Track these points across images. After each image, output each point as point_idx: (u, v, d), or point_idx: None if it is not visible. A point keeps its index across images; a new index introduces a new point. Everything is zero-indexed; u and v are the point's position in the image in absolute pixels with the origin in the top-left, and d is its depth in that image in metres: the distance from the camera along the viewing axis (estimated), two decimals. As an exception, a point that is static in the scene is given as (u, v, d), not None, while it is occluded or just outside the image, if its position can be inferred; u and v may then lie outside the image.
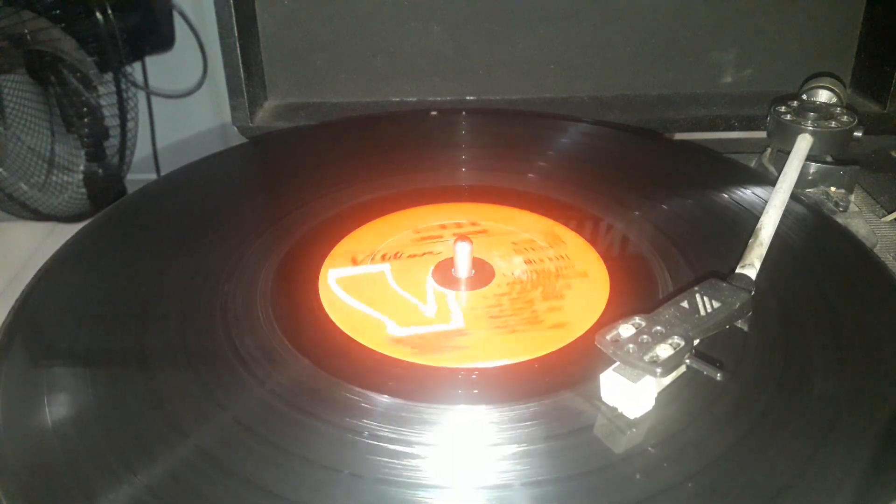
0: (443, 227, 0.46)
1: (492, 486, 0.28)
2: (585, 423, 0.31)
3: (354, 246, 0.44)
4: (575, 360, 0.35)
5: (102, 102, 0.91)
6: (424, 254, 0.43)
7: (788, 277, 0.40)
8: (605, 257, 0.43)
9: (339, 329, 0.37)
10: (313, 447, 0.30)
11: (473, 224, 0.46)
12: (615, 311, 0.38)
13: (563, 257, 0.43)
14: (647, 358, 0.31)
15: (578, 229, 0.45)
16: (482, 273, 0.41)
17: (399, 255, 0.43)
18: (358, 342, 0.36)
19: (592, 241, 0.44)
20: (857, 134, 0.52)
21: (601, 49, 0.67)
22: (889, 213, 0.51)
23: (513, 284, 0.41)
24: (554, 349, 0.36)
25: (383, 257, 0.43)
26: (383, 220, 0.47)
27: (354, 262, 0.43)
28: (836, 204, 0.51)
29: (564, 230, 0.45)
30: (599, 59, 0.67)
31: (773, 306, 0.38)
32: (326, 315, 0.38)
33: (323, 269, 0.42)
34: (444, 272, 0.42)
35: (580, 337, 0.36)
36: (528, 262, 0.42)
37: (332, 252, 0.44)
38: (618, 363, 0.31)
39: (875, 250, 0.46)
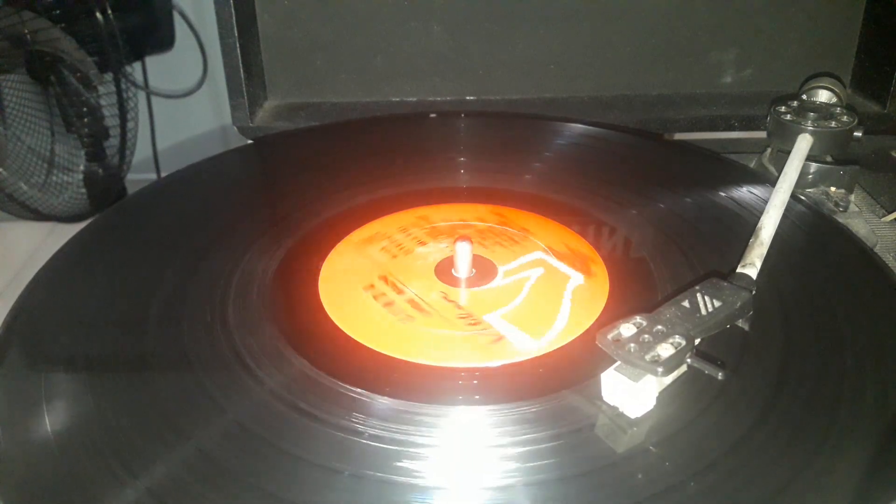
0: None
1: (492, 487, 0.28)
2: (586, 423, 0.31)
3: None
4: (576, 359, 0.35)
5: (102, 102, 0.91)
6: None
7: (789, 277, 0.40)
8: (605, 257, 0.43)
9: (339, 329, 0.37)
10: (313, 447, 0.30)
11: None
12: (574, 344, 0.36)
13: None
14: (648, 357, 0.31)
15: (582, 232, 0.45)
16: (481, 275, 0.41)
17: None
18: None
19: (594, 242, 0.44)
20: (857, 134, 0.52)
21: (601, 49, 0.67)
22: (889, 213, 0.51)
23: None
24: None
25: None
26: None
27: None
28: (836, 204, 0.51)
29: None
30: (599, 59, 0.67)
31: (774, 306, 0.38)
32: (327, 315, 0.38)
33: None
34: (443, 268, 0.42)
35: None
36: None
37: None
38: (619, 362, 0.31)
39: (875, 250, 0.46)
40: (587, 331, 0.37)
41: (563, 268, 0.42)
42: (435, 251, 0.44)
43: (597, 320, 0.38)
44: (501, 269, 0.42)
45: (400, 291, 0.40)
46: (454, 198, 0.50)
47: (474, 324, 0.38)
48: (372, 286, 0.41)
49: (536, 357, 0.35)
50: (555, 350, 0.36)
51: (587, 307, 0.39)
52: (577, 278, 0.41)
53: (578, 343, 0.36)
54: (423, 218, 0.47)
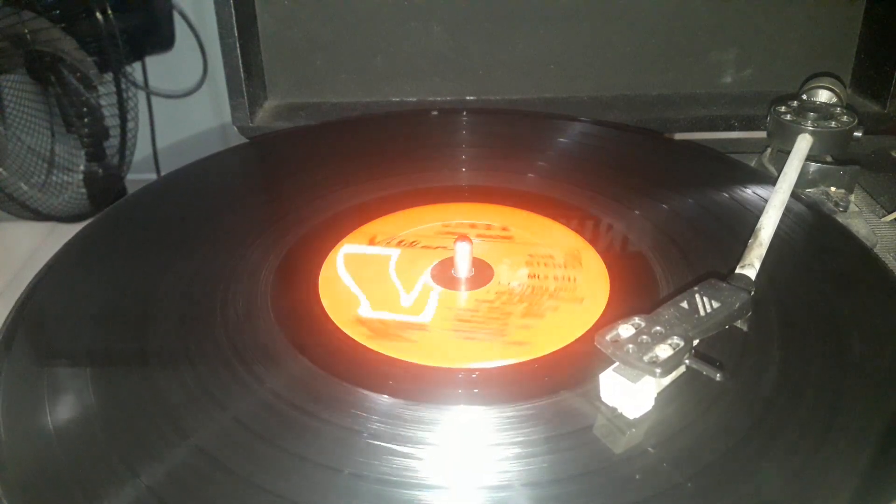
0: (472, 225, 0.46)
1: (491, 487, 0.28)
2: (585, 424, 0.31)
3: (380, 227, 0.46)
4: (575, 360, 0.35)
5: (102, 102, 0.91)
6: (438, 247, 0.44)
7: (788, 277, 0.40)
8: (606, 257, 0.43)
9: (340, 330, 0.37)
10: (313, 447, 0.30)
11: (504, 229, 0.46)
12: (590, 340, 0.36)
13: (570, 279, 0.41)
14: (646, 358, 0.31)
15: (579, 229, 0.45)
16: (480, 276, 0.41)
17: (415, 243, 0.44)
18: (327, 313, 0.38)
19: (593, 240, 0.44)
20: (857, 134, 0.52)
21: (601, 49, 0.67)
22: (889, 213, 0.51)
23: (502, 294, 0.40)
24: (499, 365, 0.35)
25: (399, 243, 0.44)
26: (416, 211, 0.48)
27: (372, 241, 0.44)
28: (836, 204, 0.51)
29: (590, 253, 0.43)
30: (599, 59, 0.67)
31: (773, 306, 0.38)
32: (327, 315, 0.38)
33: (339, 244, 0.44)
34: (445, 269, 0.42)
35: (533, 359, 0.35)
36: (532, 276, 0.42)
37: (358, 229, 0.46)
38: (617, 363, 0.31)
39: (875, 250, 0.46)
40: (587, 332, 0.37)
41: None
42: (435, 251, 0.44)
43: (597, 321, 0.38)
44: (500, 278, 0.42)
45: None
46: (456, 196, 0.50)
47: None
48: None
49: (536, 357, 0.35)
50: (554, 351, 0.36)
51: (587, 307, 0.39)
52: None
53: (577, 344, 0.36)
54: (423, 217, 0.47)
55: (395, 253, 0.43)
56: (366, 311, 0.38)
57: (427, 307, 0.39)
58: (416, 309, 0.39)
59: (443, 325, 0.38)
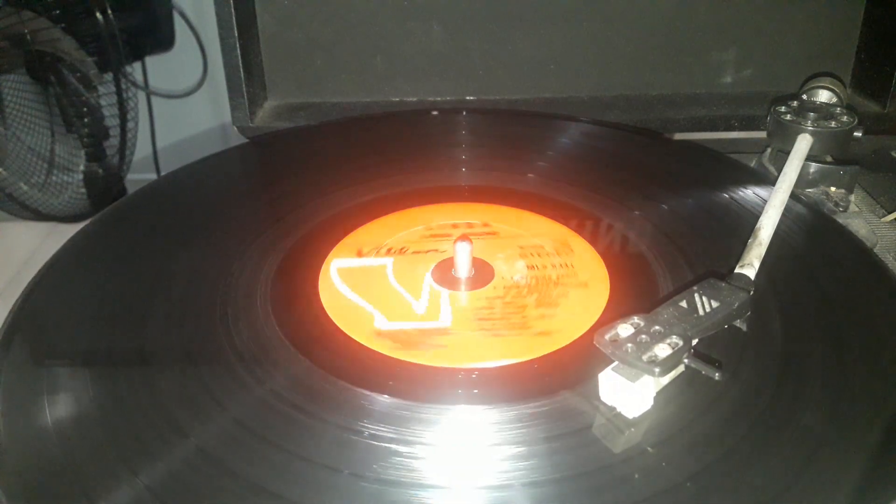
0: (454, 226, 0.46)
1: (491, 487, 0.28)
2: (584, 423, 0.31)
3: (364, 238, 0.45)
4: (574, 359, 0.35)
5: (102, 102, 0.91)
6: (429, 251, 0.44)
7: (788, 277, 0.40)
8: (605, 257, 0.43)
9: (339, 329, 0.37)
10: (313, 447, 0.30)
11: (485, 225, 0.46)
12: (610, 319, 0.36)
13: (567, 266, 0.42)
14: (645, 357, 0.31)
15: (578, 229, 0.45)
16: (481, 274, 0.41)
17: (404, 250, 0.44)
18: (344, 332, 0.37)
19: (592, 240, 0.44)
20: (857, 134, 0.52)
21: (601, 49, 0.67)
22: (889, 213, 0.51)
23: (509, 288, 0.40)
24: (534, 357, 0.35)
25: (388, 251, 0.43)
26: (396, 216, 0.47)
27: (360, 253, 0.43)
28: (836, 204, 0.51)
29: (576, 238, 0.44)
30: (599, 59, 0.67)
31: (773, 306, 0.38)
32: (327, 315, 0.38)
33: (327, 260, 0.42)
34: (444, 271, 0.42)
35: (564, 346, 0.36)
36: (530, 267, 0.42)
37: (340, 242, 0.44)
38: (616, 362, 0.31)
39: (875, 250, 0.46)
40: (587, 331, 0.37)
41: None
42: (435, 251, 0.44)
43: (597, 321, 0.38)
44: (501, 273, 0.42)
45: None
46: (455, 196, 0.50)
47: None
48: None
49: (535, 357, 0.35)
50: (553, 350, 0.36)
51: (587, 307, 0.39)
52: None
53: (577, 343, 0.36)
54: (423, 217, 0.47)
55: (388, 262, 0.43)
56: (382, 323, 0.38)
57: (442, 311, 0.39)
58: (432, 314, 0.38)
59: (466, 327, 0.37)
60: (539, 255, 0.43)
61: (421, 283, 0.41)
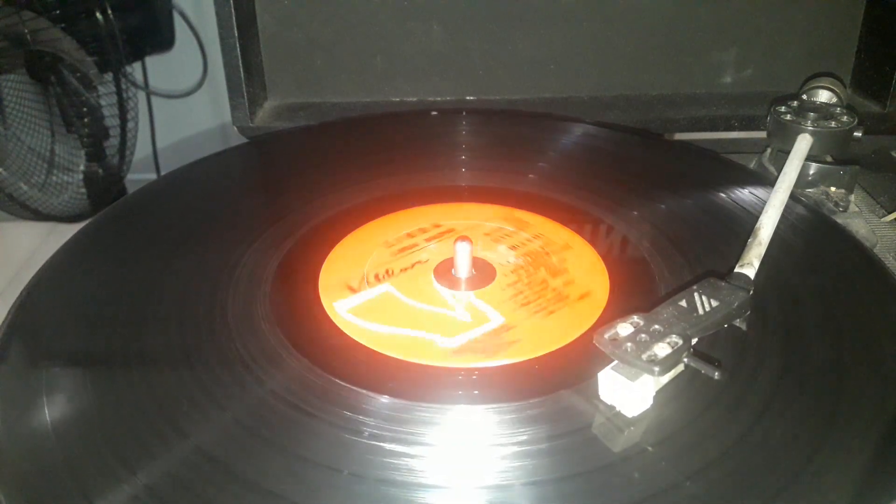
0: (410, 235, 0.45)
1: (492, 486, 0.28)
2: (584, 423, 0.31)
3: (339, 275, 0.42)
4: (573, 358, 0.35)
5: (102, 102, 0.91)
6: (414, 265, 0.42)
7: (788, 277, 0.40)
8: (605, 257, 0.43)
9: (339, 329, 0.37)
10: (313, 447, 0.30)
11: (436, 226, 0.45)
12: (609, 318, 0.36)
13: (539, 236, 0.43)
14: (645, 357, 0.31)
15: (579, 230, 0.45)
16: (481, 268, 0.41)
17: (390, 272, 0.42)
18: (418, 363, 0.35)
19: (592, 240, 0.44)
20: (857, 134, 0.52)
21: (601, 49, 0.67)
22: (889, 213, 0.51)
23: (516, 271, 0.40)
24: (593, 320, 0.37)
25: (377, 278, 0.41)
26: (351, 242, 0.45)
27: (352, 290, 0.40)
28: (836, 204, 0.51)
29: (523, 213, 0.45)
30: (599, 59, 0.67)
31: (773, 306, 0.38)
32: (326, 315, 0.38)
33: (326, 302, 0.39)
34: (446, 276, 0.41)
35: (564, 346, 0.36)
36: (512, 247, 0.42)
37: (321, 284, 0.41)
38: (616, 361, 0.31)
39: (875, 250, 0.46)
40: (587, 331, 0.37)
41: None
42: (435, 251, 0.44)
43: (597, 320, 0.38)
44: (496, 261, 0.42)
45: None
46: (456, 197, 0.50)
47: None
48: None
49: (535, 357, 0.35)
50: (553, 350, 0.36)
51: (593, 273, 0.39)
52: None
53: (577, 343, 0.36)
54: (423, 217, 0.47)
55: (389, 288, 0.40)
56: (447, 342, 0.36)
57: (486, 311, 0.38)
58: (481, 318, 0.38)
59: (520, 316, 0.37)
60: (508, 236, 0.44)
61: (440, 295, 0.40)
